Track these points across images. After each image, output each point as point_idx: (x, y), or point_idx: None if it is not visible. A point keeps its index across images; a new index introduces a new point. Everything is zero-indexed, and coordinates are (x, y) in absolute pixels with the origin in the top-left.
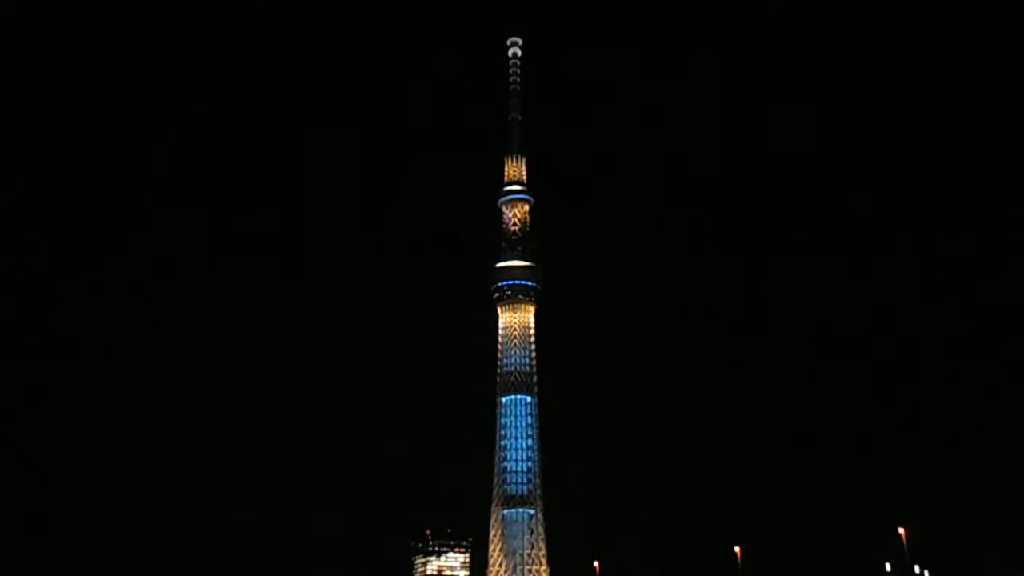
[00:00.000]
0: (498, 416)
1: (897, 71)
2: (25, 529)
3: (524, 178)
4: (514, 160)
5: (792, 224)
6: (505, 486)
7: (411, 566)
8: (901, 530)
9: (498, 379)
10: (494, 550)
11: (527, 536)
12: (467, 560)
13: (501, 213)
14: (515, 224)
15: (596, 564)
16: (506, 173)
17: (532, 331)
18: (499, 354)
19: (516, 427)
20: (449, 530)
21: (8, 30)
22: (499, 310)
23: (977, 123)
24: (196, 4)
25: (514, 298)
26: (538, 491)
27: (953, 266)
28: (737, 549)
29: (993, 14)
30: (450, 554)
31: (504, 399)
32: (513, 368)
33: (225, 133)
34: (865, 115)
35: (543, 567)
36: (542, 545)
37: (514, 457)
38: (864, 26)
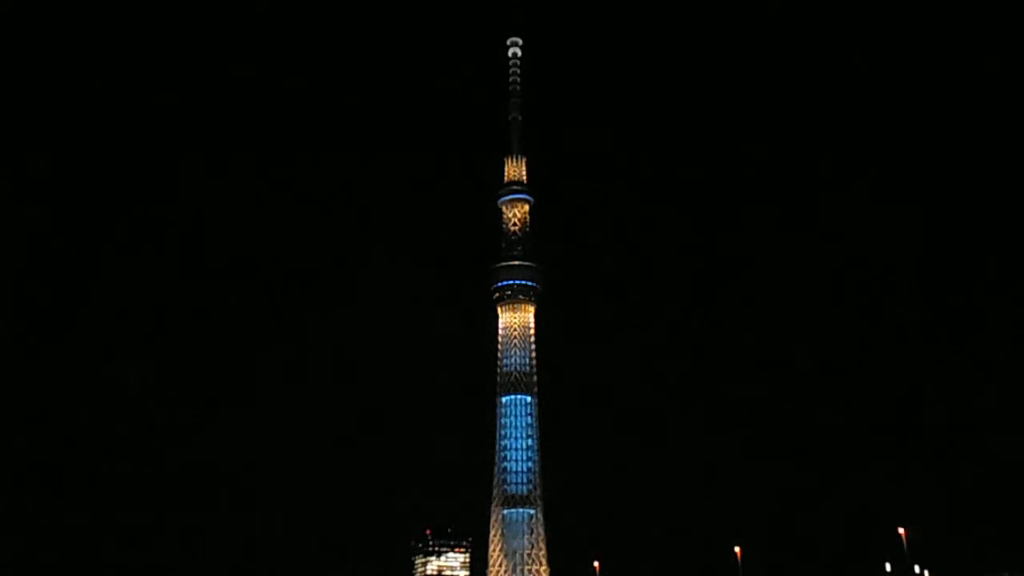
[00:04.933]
0: (498, 416)
1: (894, 70)
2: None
3: (524, 178)
4: (514, 160)
5: (793, 223)
6: (505, 486)
7: (411, 566)
8: (901, 530)
9: (498, 379)
10: (494, 550)
11: (527, 536)
12: (467, 560)
13: (501, 213)
14: (515, 224)
15: (596, 564)
16: (506, 173)
17: (532, 331)
18: (499, 354)
19: (516, 427)
20: (449, 530)
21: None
22: (499, 310)
23: (971, 122)
24: (194, 7)
25: (514, 298)
26: (538, 491)
27: (953, 268)
28: (737, 549)
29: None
30: (450, 554)
31: (504, 399)
32: (513, 368)
33: (225, 134)
34: (863, 114)
35: (543, 567)
36: (542, 545)
37: (514, 457)
38: (861, 29)
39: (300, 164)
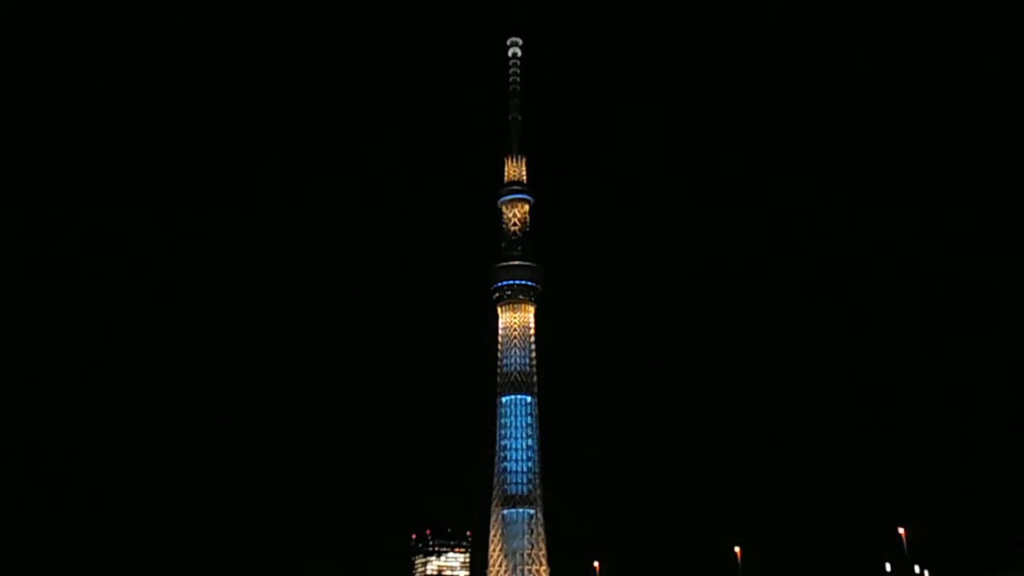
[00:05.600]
0: (498, 416)
1: (894, 70)
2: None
3: (524, 178)
4: (514, 160)
5: (793, 227)
6: (505, 486)
7: (411, 566)
8: (901, 530)
9: (498, 379)
10: (494, 550)
11: (527, 536)
12: (467, 560)
13: (501, 213)
14: (515, 224)
15: (596, 564)
16: (506, 173)
17: (532, 331)
18: (499, 354)
19: (516, 427)
20: (449, 530)
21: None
22: (499, 310)
23: (971, 122)
24: (192, 7)
25: (514, 298)
26: (538, 491)
27: (951, 268)
28: (737, 549)
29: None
30: (450, 554)
31: (504, 399)
32: (513, 368)
33: (226, 136)
34: (863, 114)
35: (543, 567)
36: (542, 545)
37: (514, 457)
38: (861, 29)
39: (297, 164)
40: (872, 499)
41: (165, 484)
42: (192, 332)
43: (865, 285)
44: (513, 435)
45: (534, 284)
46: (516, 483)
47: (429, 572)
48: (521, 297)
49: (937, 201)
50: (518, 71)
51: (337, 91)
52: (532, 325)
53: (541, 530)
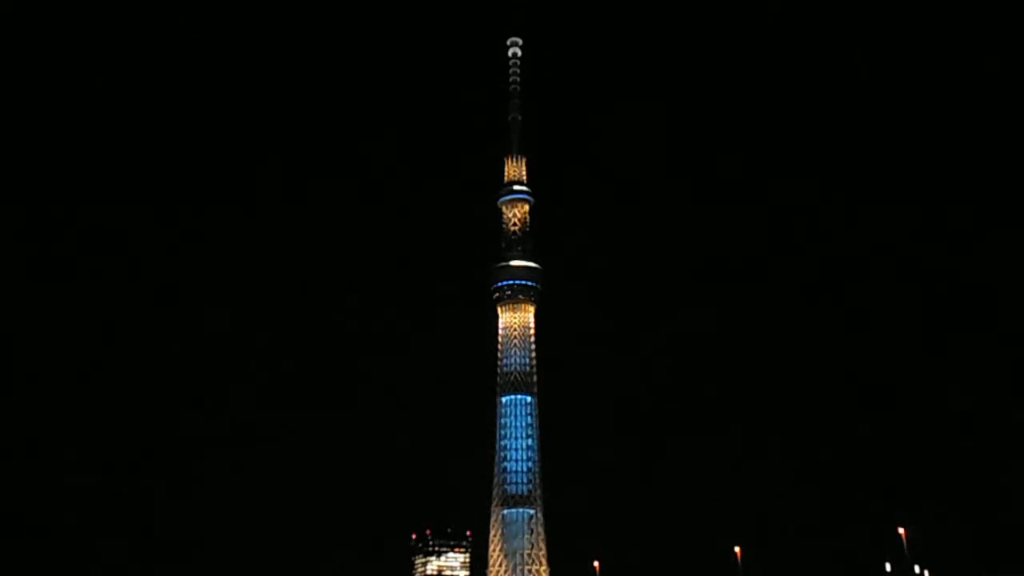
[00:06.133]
0: (498, 416)
1: (894, 70)
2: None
3: (524, 178)
4: (514, 160)
5: (793, 227)
6: (505, 486)
7: (411, 566)
8: (901, 530)
9: (498, 379)
10: (494, 550)
11: (527, 536)
12: (467, 560)
13: (501, 213)
14: (515, 224)
15: (596, 564)
16: (506, 173)
17: (532, 331)
18: (499, 354)
19: (516, 427)
20: (449, 530)
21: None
22: (499, 310)
23: (971, 122)
24: (191, 10)
25: (514, 298)
26: (538, 491)
27: (953, 269)
28: (737, 549)
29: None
30: (450, 554)
31: (504, 399)
32: (513, 368)
33: (226, 136)
34: (863, 114)
35: (543, 567)
36: (542, 545)
37: (514, 457)
38: (861, 29)
39: (297, 164)
40: (872, 499)
41: (165, 484)
42: (192, 332)
43: (865, 285)
44: (513, 435)
45: (534, 284)
46: (516, 483)
47: (429, 572)
48: (521, 297)
49: (937, 201)
50: (518, 71)
51: (337, 91)
52: (532, 325)
53: (541, 530)
